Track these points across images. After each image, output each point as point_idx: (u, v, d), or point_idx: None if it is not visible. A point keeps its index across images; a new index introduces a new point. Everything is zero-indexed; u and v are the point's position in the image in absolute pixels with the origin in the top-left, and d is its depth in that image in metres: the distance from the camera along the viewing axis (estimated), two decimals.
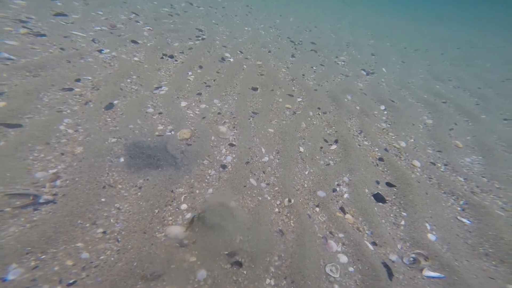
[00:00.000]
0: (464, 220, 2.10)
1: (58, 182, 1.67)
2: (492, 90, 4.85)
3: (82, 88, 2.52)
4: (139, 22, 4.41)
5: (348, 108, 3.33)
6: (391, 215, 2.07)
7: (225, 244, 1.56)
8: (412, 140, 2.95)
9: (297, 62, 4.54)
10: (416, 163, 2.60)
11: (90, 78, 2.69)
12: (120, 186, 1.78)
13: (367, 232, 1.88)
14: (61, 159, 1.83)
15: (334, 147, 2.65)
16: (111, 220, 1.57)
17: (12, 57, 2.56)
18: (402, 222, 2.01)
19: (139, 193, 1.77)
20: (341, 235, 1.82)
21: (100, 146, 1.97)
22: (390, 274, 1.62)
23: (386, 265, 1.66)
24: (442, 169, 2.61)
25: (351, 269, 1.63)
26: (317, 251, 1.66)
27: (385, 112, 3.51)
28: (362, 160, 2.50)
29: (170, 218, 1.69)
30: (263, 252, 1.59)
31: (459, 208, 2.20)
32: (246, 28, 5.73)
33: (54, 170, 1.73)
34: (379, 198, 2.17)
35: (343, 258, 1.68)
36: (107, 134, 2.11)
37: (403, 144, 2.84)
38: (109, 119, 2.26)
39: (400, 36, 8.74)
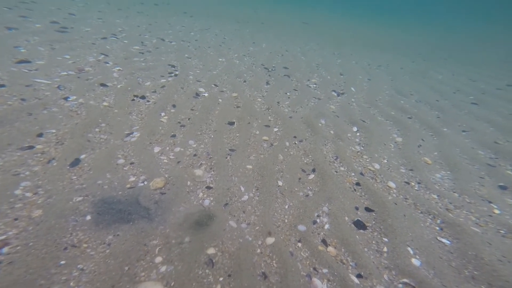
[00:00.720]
0: (444, 240, 2.16)
1: (4, 250, 1.54)
2: (448, 102, 5.32)
3: (45, 144, 2.41)
4: (108, 63, 4.41)
5: (322, 134, 3.46)
6: (373, 242, 2.08)
7: None
8: (385, 161, 3.10)
9: (271, 89, 4.73)
10: (391, 184, 2.71)
11: (54, 131, 2.59)
12: (85, 245, 1.67)
13: (351, 263, 1.87)
14: (13, 225, 1.69)
15: (312, 176, 2.71)
16: (71, 284, 1.44)
17: None
18: (385, 249, 2.02)
19: (107, 251, 1.66)
20: (325, 270, 1.79)
21: (63, 207, 1.85)
22: None
23: None
24: (416, 188, 2.72)
25: None
26: None
27: (358, 134, 3.69)
28: (339, 187, 2.56)
29: (143, 273, 1.59)
30: None
31: (437, 228, 2.28)
32: (220, 59, 5.94)
33: (3, 237, 1.59)
34: (359, 225, 2.20)
35: None
36: (72, 193, 1.99)
37: (377, 166, 2.97)
38: (75, 177, 2.15)
39: (362, 52, 9.51)
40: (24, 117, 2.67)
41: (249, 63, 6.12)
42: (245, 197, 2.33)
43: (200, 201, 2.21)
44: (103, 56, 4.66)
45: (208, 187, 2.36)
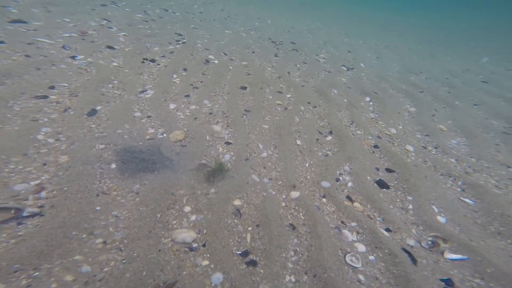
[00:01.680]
0: (467, 200, 2.21)
1: (43, 194, 1.51)
2: (458, 80, 5.35)
3: (58, 95, 2.35)
4: (112, 28, 4.26)
5: (336, 102, 3.46)
6: (397, 200, 2.12)
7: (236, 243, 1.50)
8: (400, 127, 3.13)
9: (281, 61, 4.66)
10: (409, 147, 2.74)
11: (66, 84, 2.52)
12: (115, 193, 1.66)
13: (378, 219, 1.91)
14: (44, 170, 1.67)
15: (329, 138, 2.73)
16: (110, 229, 1.45)
17: None
18: (410, 206, 2.06)
19: (137, 199, 1.66)
20: (353, 224, 1.83)
21: (88, 153, 1.83)
22: (413, 260, 1.62)
23: (406, 251, 1.67)
24: (433, 152, 2.77)
25: (371, 257, 1.63)
26: (333, 242, 1.65)
27: (371, 103, 3.70)
28: (358, 148, 2.59)
29: (174, 221, 1.60)
30: (277, 248, 1.55)
31: (459, 189, 2.33)
32: (227, 31, 5.78)
33: (37, 181, 1.57)
34: (382, 184, 2.24)
35: (361, 247, 1.68)
36: (94, 140, 1.96)
37: (393, 131, 3.00)
38: (94, 126, 2.12)
39: (368, 33, 9.39)
40: (33, 71, 2.58)
41: (256, 36, 5.99)
42: (264, 154, 2.34)
43: (221, 155, 2.22)
44: (105, 21, 4.49)
45: (227, 143, 2.35)
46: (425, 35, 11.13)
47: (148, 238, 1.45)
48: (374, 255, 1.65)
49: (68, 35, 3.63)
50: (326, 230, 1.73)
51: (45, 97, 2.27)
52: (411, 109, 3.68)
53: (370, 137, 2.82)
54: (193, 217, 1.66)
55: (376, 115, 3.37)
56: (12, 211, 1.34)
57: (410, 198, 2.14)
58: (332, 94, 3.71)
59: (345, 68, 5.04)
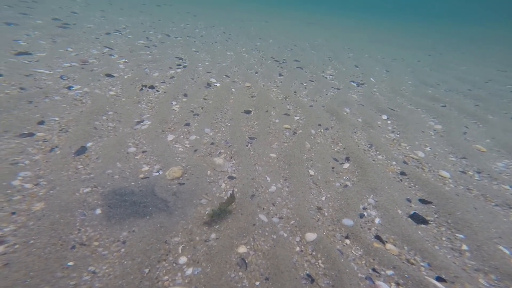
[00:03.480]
0: None
1: (1, 248, 1.31)
2: (483, 91, 5.04)
3: (47, 131, 2.21)
4: (113, 56, 4.29)
5: (350, 122, 3.22)
6: (443, 238, 1.78)
7: None
8: (428, 149, 2.82)
9: (285, 80, 4.53)
10: (444, 173, 2.42)
11: (57, 119, 2.40)
12: (96, 244, 1.43)
13: (422, 264, 1.57)
14: (11, 220, 1.47)
15: (347, 165, 2.45)
16: None
17: None
18: (464, 247, 1.72)
19: (122, 250, 1.42)
20: (389, 272, 1.50)
21: (69, 199, 1.63)
22: None
23: None
24: (477, 178, 2.43)
25: None
26: None
27: (389, 122, 3.44)
28: (382, 176, 2.30)
29: (166, 277, 1.34)
30: None
31: None
32: (229, 53, 5.80)
33: None
34: (418, 219, 1.92)
35: None
36: (79, 184, 1.77)
37: (421, 154, 2.70)
38: (81, 166, 1.94)
39: (371, 47, 9.34)
40: (23, 105, 2.49)
41: (258, 56, 5.97)
42: (273, 188, 2.08)
43: (223, 192, 1.98)
44: (107, 49, 4.55)
45: (231, 177, 2.12)
46: (430, 46, 11.03)
47: None
48: None
49: (68, 64, 3.63)
50: (355, 281, 1.41)
51: (31, 134, 2.14)
52: (436, 127, 3.38)
53: (395, 163, 2.53)
54: (189, 271, 1.39)
55: (397, 135, 3.08)
56: None
57: (461, 236, 1.79)
58: (344, 113, 3.49)
59: (354, 84, 4.86)
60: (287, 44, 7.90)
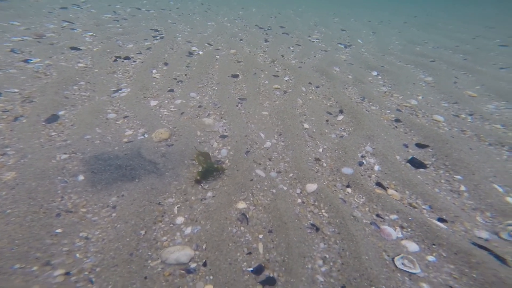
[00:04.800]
0: None
1: None
2: (470, 46, 5.07)
3: (6, 102, 2.00)
4: (76, 30, 3.92)
5: (340, 79, 3.15)
6: (442, 181, 1.79)
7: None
8: (421, 98, 2.82)
9: (272, 45, 4.36)
10: (438, 117, 2.43)
11: (17, 90, 2.18)
12: (84, 210, 1.34)
13: (423, 207, 1.57)
14: None
15: (341, 117, 2.41)
16: (77, 255, 1.13)
17: None
18: (462, 188, 1.73)
19: (113, 214, 1.33)
20: (393, 216, 1.50)
21: (44, 166, 1.49)
22: (499, 258, 1.25)
23: (481, 246, 1.32)
24: (469, 119, 2.46)
25: (431, 258, 1.29)
26: (372, 243, 1.32)
27: (379, 77, 3.40)
28: (377, 125, 2.28)
29: (164, 238, 1.28)
30: (300, 258, 1.22)
31: None
32: (210, 23, 5.49)
33: None
34: (416, 163, 1.91)
35: (412, 246, 1.34)
36: (54, 151, 1.63)
37: (414, 102, 2.69)
38: (55, 134, 1.78)
39: (356, 11, 9.17)
40: None
41: (242, 25, 5.70)
42: (268, 144, 2.01)
43: (216, 151, 1.89)
44: (67, 23, 4.15)
45: (223, 136, 2.03)
46: (418, 10, 10.95)
47: (129, 263, 1.12)
48: (434, 254, 1.31)
49: (19, 38, 3.27)
50: (360, 227, 1.40)
51: None
52: (427, 79, 3.38)
53: (388, 111, 2.51)
54: (188, 230, 1.33)
55: (389, 88, 3.06)
56: None
57: (459, 177, 1.80)
58: (334, 72, 3.41)
59: (342, 46, 4.75)
60: (271, 12, 7.58)
